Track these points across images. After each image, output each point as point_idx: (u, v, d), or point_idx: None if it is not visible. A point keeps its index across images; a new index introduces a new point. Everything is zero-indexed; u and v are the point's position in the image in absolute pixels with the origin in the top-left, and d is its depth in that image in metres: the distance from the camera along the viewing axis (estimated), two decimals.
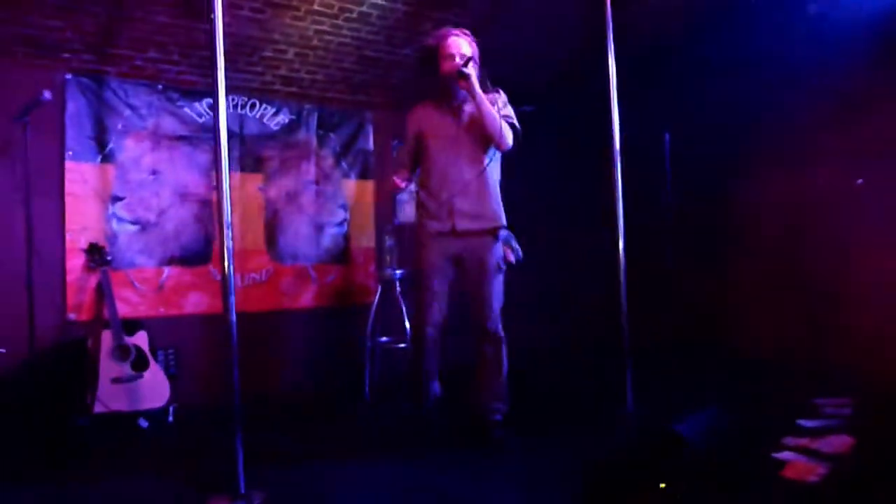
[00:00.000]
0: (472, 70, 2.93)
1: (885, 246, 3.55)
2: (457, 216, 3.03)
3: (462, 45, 3.04)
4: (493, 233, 3.07)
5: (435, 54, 3.05)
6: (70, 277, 3.80)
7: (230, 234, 2.34)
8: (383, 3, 4.01)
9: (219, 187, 2.34)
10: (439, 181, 3.06)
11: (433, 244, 3.06)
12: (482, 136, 3.04)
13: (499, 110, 3.02)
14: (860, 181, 3.75)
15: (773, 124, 3.88)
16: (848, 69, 3.51)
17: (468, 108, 3.07)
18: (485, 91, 2.99)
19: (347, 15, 4.02)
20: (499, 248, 3.08)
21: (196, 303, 4.22)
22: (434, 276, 3.06)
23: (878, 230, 3.58)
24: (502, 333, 3.08)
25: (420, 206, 3.16)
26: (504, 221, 3.11)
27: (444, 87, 3.05)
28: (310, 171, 4.70)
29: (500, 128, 2.93)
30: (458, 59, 2.97)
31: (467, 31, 3.12)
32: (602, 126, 3.43)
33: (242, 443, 2.39)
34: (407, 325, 4.20)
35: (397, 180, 3.13)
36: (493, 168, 3.12)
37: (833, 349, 3.59)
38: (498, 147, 3.04)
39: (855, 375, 3.38)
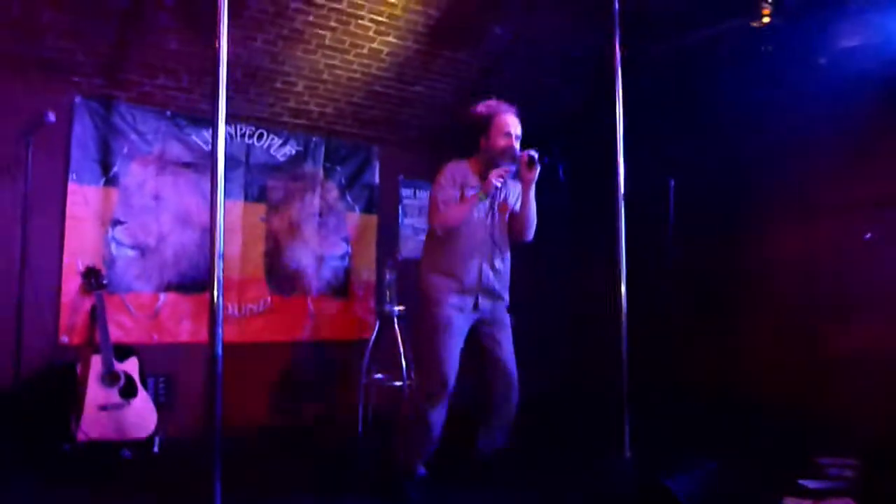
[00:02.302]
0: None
1: (888, 299, 3.48)
2: (481, 296, 2.95)
3: (519, 125, 3.00)
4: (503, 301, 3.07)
5: (487, 125, 2.97)
6: (65, 300, 3.76)
7: (221, 265, 2.30)
8: (394, 40, 4.04)
9: (212, 215, 2.31)
10: (468, 256, 2.93)
11: (452, 308, 2.90)
12: (509, 221, 3.05)
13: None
14: (868, 235, 3.69)
15: (779, 175, 3.85)
16: (855, 121, 3.48)
17: (504, 189, 3.03)
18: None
19: (358, 51, 4.06)
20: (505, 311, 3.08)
21: (191, 331, 4.16)
22: (454, 344, 2.88)
23: (882, 283, 3.51)
24: None
25: (435, 269, 2.96)
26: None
27: (487, 160, 2.96)
28: (314, 202, 4.68)
29: (534, 224, 2.99)
30: (514, 141, 2.94)
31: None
32: (607, 171, 3.42)
33: (223, 478, 2.32)
34: (403, 362, 4.13)
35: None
36: None
37: (837, 405, 3.49)
38: (520, 239, 3.05)
39: (859, 434, 3.27)
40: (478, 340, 2.99)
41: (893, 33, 3.19)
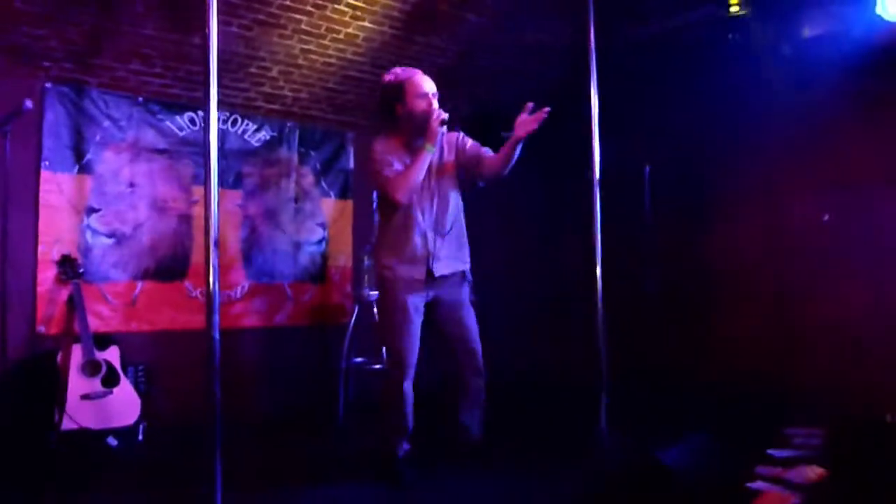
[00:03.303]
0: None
1: (849, 275, 3.67)
2: (435, 261, 2.94)
3: (432, 83, 2.98)
4: (463, 274, 3.08)
5: (400, 91, 2.92)
6: (41, 289, 3.71)
7: (216, 252, 2.32)
8: (371, 25, 4.05)
9: (207, 204, 2.32)
10: (414, 224, 2.93)
11: (405, 289, 2.92)
12: (455, 178, 3.05)
13: (473, 146, 3.06)
14: (826, 217, 3.87)
15: (748, 160, 4.00)
16: (818, 109, 3.64)
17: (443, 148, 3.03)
18: (450, 129, 2.98)
19: (334, 35, 4.05)
20: (467, 287, 3.09)
21: (169, 319, 4.14)
22: (410, 323, 2.92)
23: (843, 260, 3.70)
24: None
25: (384, 250, 2.99)
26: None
27: (411, 128, 2.93)
28: (289, 188, 4.68)
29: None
30: (431, 99, 2.93)
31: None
32: (583, 155, 3.51)
33: (210, 465, 2.35)
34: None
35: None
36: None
37: (805, 377, 3.68)
38: (491, 180, 3.03)
39: (825, 404, 3.46)
40: (437, 321, 3.03)
41: (855, 22, 3.34)
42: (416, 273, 2.92)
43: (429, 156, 2.87)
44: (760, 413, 3.52)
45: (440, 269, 2.96)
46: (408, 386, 2.93)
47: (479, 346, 3.06)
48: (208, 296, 2.31)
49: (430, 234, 2.95)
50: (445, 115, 2.87)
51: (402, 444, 3.00)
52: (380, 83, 3.06)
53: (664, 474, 2.27)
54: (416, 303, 2.93)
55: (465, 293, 3.08)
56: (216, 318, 2.33)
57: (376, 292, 4.21)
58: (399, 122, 2.97)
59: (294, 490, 2.84)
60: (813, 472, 2.75)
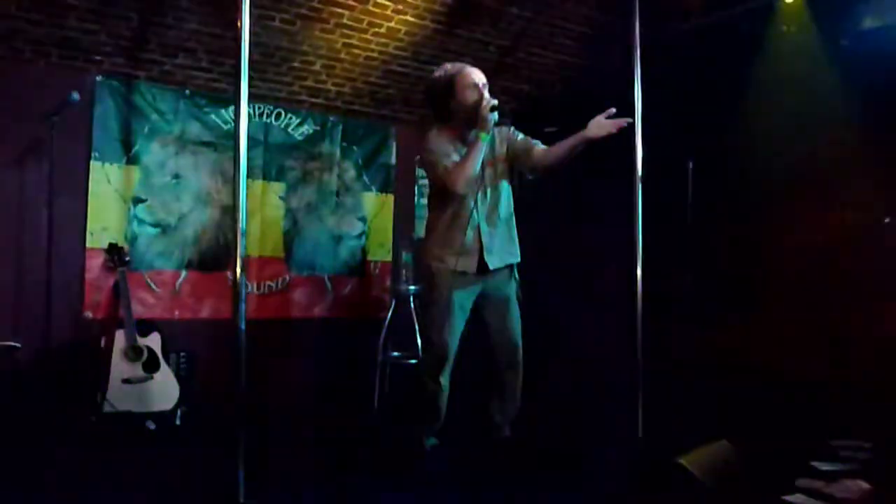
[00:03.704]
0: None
1: None
2: (487, 254, 2.93)
3: (481, 74, 2.98)
4: (512, 268, 3.06)
5: (451, 85, 2.92)
6: (89, 276, 3.85)
7: (244, 242, 2.34)
8: (412, 19, 4.03)
9: (235, 194, 2.35)
10: (467, 216, 2.91)
11: (454, 282, 2.89)
12: (507, 171, 3.03)
13: (524, 139, 3.04)
14: (888, 220, 3.66)
15: (798, 157, 3.81)
16: (876, 104, 3.44)
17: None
18: (501, 123, 2.93)
19: (376, 30, 4.05)
20: (514, 283, 3.07)
21: (212, 308, 4.24)
22: (454, 318, 2.91)
23: None
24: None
25: (435, 241, 2.96)
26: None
27: (465, 119, 2.92)
28: (331, 182, 4.72)
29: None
30: (482, 89, 2.91)
31: None
32: (625, 150, 3.41)
33: (244, 453, 2.38)
34: (419, 340, 4.17)
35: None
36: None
37: (855, 387, 3.49)
38: (542, 173, 3.01)
39: (875, 417, 3.27)
40: (483, 315, 3.01)
41: None
42: (468, 266, 2.91)
43: (483, 144, 2.82)
44: (806, 422, 3.36)
45: (493, 263, 2.94)
46: (444, 380, 2.93)
47: (520, 343, 3.05)
48: (234, 285, 2.32)
49: (483, 227, 2.93)
50: (495, 101, 2.83)
51: (431, 438, 2.98)
52: (429, 79, 3.07)
53: (696, 483, 2.18)
54: (462, 298, 2.92)
55: (513, 288, 3.06)
56: (242, 307, 2.34)
57: (419, 285, 4.27)
58: (452, 115, 2.97)
59: (320, 483, 2.85)
60: (858, 487, 2.61)
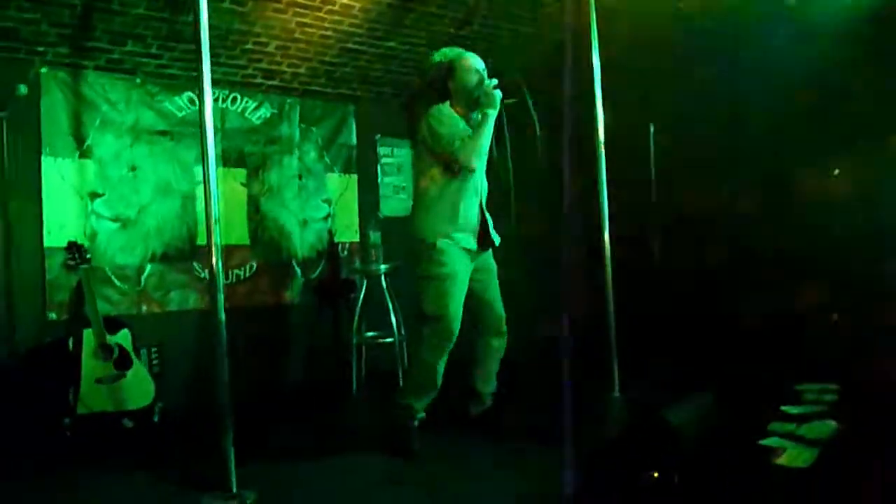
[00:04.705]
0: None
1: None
2: (484, 231, 3.03)
3: (480, 61, 3.06)
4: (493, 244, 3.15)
5: (451, 69, 3.01)
6: (49, 276, 3.73)
7: (218, 231, 2.31)
8: None
9: (206, 183, 2.31)
10: (472, 193, 2.99)
11: (460, 257, 2.94)
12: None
13: None
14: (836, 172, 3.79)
15: (754, 114, 3.91)
16: (826, 62, 3.54)
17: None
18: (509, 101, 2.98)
19: (330, 7, 3.98)
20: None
21: (179, 300, 4.16)
22: (462, 292, 2.94)
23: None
24: None
25: (436, 217, 2.94)
26: None
27: (466, 100, 2.98)
28: (292, 165, 4.65)
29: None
30: (482, 74, 2.99)
31: None
32: (588, 118, 3.46)
33: (233, 443, 2.38)
34: (393, 319, 4.19)
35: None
36: None
37: (816, 333, 3.63)
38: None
39: (837, 359, 3.42)
40: (473, 288, 3.05)
41: None
42: (472, 243, 2.99)
43: (493, 119, 2.87)
44: (771, 370, 3.50)
45: (494, 239, 3.07)
46: (444, 358, 2.95)
47: (502, 312, 3.15)
48: (212, 276, 2.29)
49: (484, 203, 3.06)
50: (496, 80, 2.90)
51: (420, 412, 3.00)
52: (427, 62, 3.12)
53: (674, 435, 2.26)
54: (465, 272, 2.98)
55: (493, 259, 3.16)
56: (220, 297, 2.32)
57: (385, 265, 4.27)
58: (452, 95, 3.02)
59: (309, 464, 2.86)
60: (827, 427, 2.74)
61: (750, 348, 3.73)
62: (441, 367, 2.93)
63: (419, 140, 3.02)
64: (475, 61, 3.05)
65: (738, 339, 3.83)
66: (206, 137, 2.31)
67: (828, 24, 3.48)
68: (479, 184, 3.03)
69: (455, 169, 2.89)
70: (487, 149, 2.91)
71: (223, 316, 2.36)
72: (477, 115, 2.96)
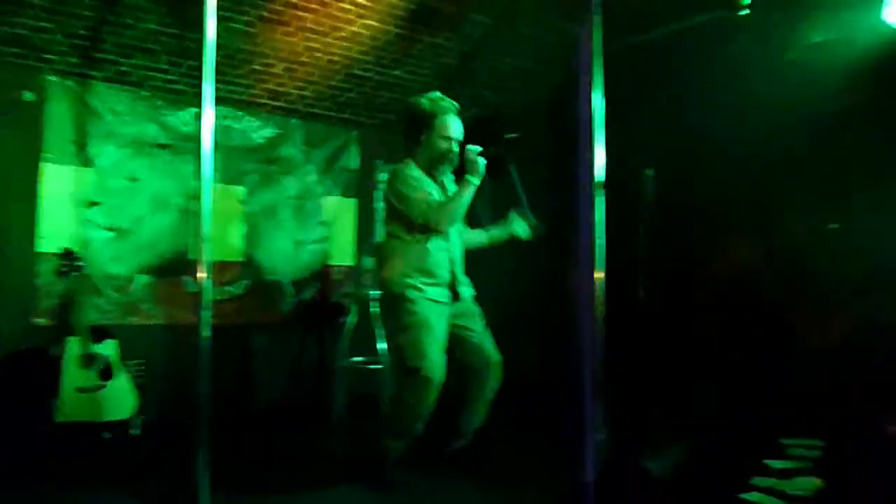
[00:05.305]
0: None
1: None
2: (459, 286, 3.03)
3: (459, 127, 3.03)
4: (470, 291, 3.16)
5: (430, 124, 2.99)
6: (39, 281, 3.72)
7: (209, 247, 2.30)
8: (375, 23, 4.04)
9: (201, 199, 2.31)
10: (445, 248, 2.99)
11: (434, 309, 2.92)
12: None
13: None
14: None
15: (750, 165, 3.94)
16: (821, 118, 3.57)
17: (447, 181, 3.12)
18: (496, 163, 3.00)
19: (338, 34, 4.04)
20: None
21: (168, 313, 4.14)
22: (443, 336, 2.91)
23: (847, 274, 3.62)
24: None
25: (409, 268, 2.93)
26: None
27: (430, 159, 3.02)
28: (292, 186, 4.67)
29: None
30: (453, 143, 3.00)
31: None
32: (581, 158, 3.47)
33: (207, 463, 2.34)
34: (381, 345, 4.17)
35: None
36: None
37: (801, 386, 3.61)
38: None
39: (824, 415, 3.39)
40: (452, 333, 3.01)
41: (861, 29, 3.29)
42: (442, 295, 2.96)
43: (473, 189, 2.88)
44: (757, 422, 3.47)
45: (464, 293, 3.05)
46: (420, 427, 2.90)
47: (493, 353, 3.08)
48: (197, 291, 2.29)
49: (455, 257, 3.04)
50: (479, 148, 2.91)
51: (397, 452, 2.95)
52: (413, 101, 3.07)
53: (654, 484, 2.23)
54: (440, 317, 2.93)
55: (474, 304, 3.14)
56: (206, 314, 2.31)
57: (377, 291, 4.25)
58: (421, 146, 3.03)
59: (281, 487, 2.83)
60: (810, 483, 2.71)
61: (738, 396, 3.71)
62: (424, 414, 2.85)
63: (384, 196, 3.04)
64: (452, 128, 3.00)
65: (725, 387, 3.81)
66: (203, 154, 2.32)
67: (828, 74, 3.53)
68: (450, 243, 3.02)
69: (423, 230, 2.92)
70: (462, 214, 2.93)
71: (208, 332, 2.35)
72: (448, 176, 3.03)
